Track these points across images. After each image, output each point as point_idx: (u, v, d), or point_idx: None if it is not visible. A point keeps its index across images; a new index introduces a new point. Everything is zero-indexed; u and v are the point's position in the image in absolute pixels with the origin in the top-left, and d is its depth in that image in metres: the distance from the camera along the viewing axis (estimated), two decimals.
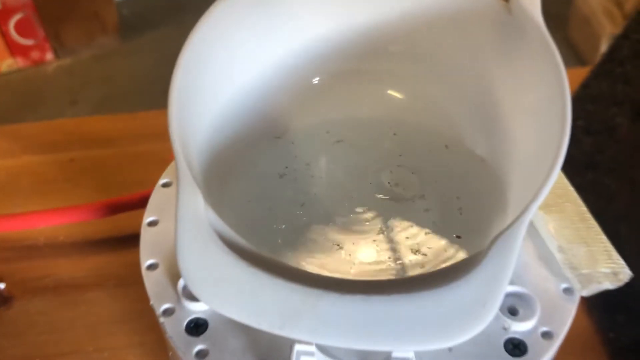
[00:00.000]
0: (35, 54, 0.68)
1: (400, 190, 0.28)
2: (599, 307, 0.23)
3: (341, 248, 0.26)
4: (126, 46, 0.64)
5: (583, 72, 0.41)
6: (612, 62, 0.24)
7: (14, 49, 0.69)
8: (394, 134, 0.30)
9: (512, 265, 0.19)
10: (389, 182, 0.28)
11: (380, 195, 0.28)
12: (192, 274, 0.19)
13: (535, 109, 0.24)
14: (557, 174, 0.20)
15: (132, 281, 0.33)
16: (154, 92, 0.56)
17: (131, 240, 0.36)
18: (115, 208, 0.36)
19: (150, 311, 0.24)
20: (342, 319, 0.18)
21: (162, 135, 0.42)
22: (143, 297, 0.25)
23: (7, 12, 0.67)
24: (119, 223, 0.37)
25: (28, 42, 0.68)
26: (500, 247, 0.19)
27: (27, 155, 0.43)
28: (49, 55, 0.68)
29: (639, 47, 0.37)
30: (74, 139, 0.44)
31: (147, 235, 0.27)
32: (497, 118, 0.26)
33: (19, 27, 0.67)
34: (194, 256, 0.19)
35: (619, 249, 0.25)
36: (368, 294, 0.19)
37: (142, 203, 0.34)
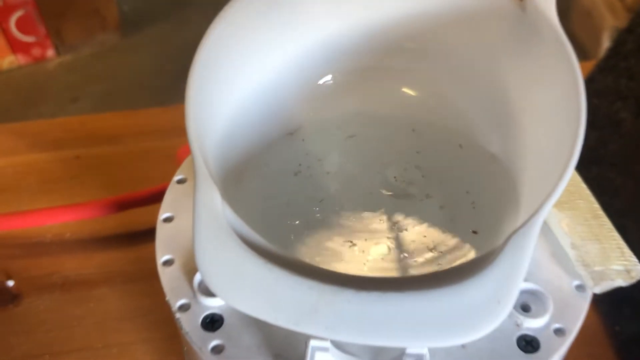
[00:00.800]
0: (36, 51, 0.68)
1: (414, 188, 0.28)
2: (606, 301, 0.23)
3: (354, 245, 0.26)
4: (127, 42, 0.64)
5: (586, 66, 0.41)
6: (617, 56, 0.24)
7: (15, 46, 0.68)
8: (412, 131, 0.30)
9: (527, 263, 0.19)
10: (402, 179, 0.29)
11: (394, 193, 0.28)
12: (209, 269, 0.19)
13: (549, 107, 0.24)
14: (571, 172, 0.20)
15: (140, 277, 0.33)
16: (155, 88, 0.56)
17: (139, 236, 0.36)
18: (123, 205, 0.36)
19: (158, 307, 0.24)
20: (358, 316, 0.18)
21: (166, 131, 0.42)
22: (151, 293, 0.25)
23: (8, 9, 0.66)
24: (126, 220, 0.37)
25: (29, 39, 0.68)
26: (515, 245, 0.19)
27: (32, 153, 0.43)
28: (50, 52, 0.67)
29: None
30: (79, 136, 0.44)
31: (162, 232, 0.27)
32: (511, 116, 0.26)
33: (20, 24, 0.67)
34: (211, 252, 0.19)
35: (625, 243, 0.25)
36: (383, 290, 0.19)
37: (149, 200, 0.35)
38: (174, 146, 0.35)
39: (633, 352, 0.30)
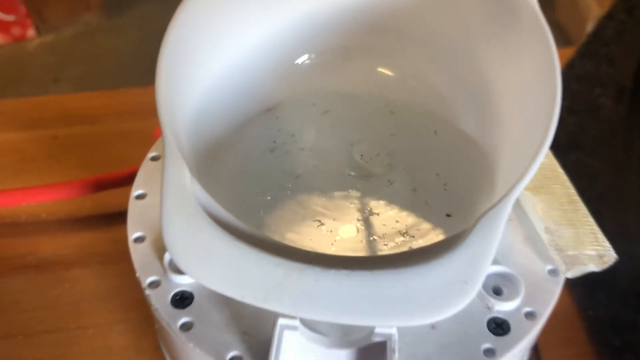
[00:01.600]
0: (16, 30, 0.66)
1: (386, 169, 0.28)
2: (579, 285, 0.23)
3: (323, 224, 0.26)
4: (110, 23, 0.63)
5: (569, 52, 0.41)
6: (597, 42, 0.25)
7: None
8: (388, 112, 0.30)
9: (496, 243, 0.19)
10: (376, 161, 0.28)
11: (367, 174, 0.28)
12: (177, 246, 0.19)
13: (525, 88, 0.24)
14: (544, 154, 0.20)
15: (117, 258, 0.33)
16: (138, 69, 0.55)
17: (115, 217, 0.36)
18: (100, 185, 0.35)
19: (134, 288, 0.24)
20: (325, 293, 0.18)
21: (146, 112, 0.41)
22: (127, 273, 0.25)
23: None
24: (103, 200, 0.36)
25: (9, 18, 0.66)
26: (485, 226, 0.19)
27: (9, 132, 0.42)
28: (31, 32, 0.66)
29: (623, 27, 0.37)
30: (57, 116, 0.44)
31: (134, 209, 0.26)
32: (488, 98, 0.26)
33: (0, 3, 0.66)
34: (178, 229, 0.19)
35: (600, 228, 0.25)
36: (351, 269, 0.19)
37: (126, 180, 0.34)
38: (152, 127, 0.34)
39: (606, 335, 0.30)
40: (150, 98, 0.22)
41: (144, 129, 0.36)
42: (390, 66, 0.31)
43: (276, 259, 0.19)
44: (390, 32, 0.29)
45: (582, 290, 0.28)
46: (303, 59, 0.30)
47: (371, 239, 0.25)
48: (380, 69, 0.31)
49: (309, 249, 0.22)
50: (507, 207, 0.20)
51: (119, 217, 0.26)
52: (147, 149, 0.29)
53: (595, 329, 0.25)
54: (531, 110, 0.23)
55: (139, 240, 0.25)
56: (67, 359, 0.31)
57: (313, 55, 0.30)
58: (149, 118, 0.39)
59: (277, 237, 0.25)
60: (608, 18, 0.37)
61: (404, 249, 0.25)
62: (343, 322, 0.18)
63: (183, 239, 0.19)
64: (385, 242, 0.25)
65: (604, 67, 0.23)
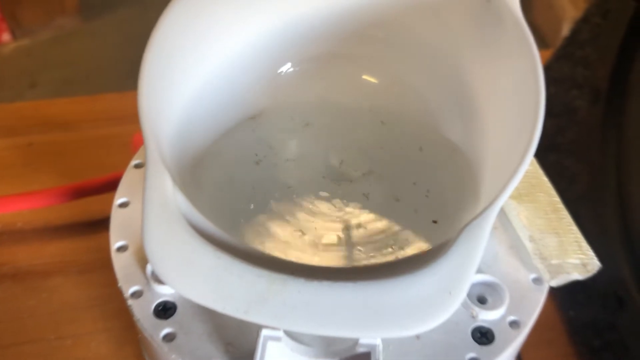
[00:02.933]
0: None
1: (371, 178, 0.28)
2: (560, 286, 0.24)
3: (305, 234, 0.26)
4: (87, 27, 0.62)
5: (545, 55, 0.42)
6: (573, 45, 0.25)
7: None
8: (373, 120, 0.30)
9: (480, 254, 0.19)
10: (361, 170, 0.28)
11: (350, 182, 0.28)
12: (158, 256, 0.19)
13: (508, 96, 0.24)
14: (528, 162, 0.20)
15: (97, 267, 0.32)
16: (116, 74, 0.54)
17: (94, 225, 0.35)
18: (77, 193, 0.35)
19: (115, 297, 0.24)
20: (308, 305, 0.18)
21: (124, 118, 0.41)
22: (108, 282, 0.25)
23: None
24: (81, 208, 0.36)
25: None
26: (468, 236, 0.19)
27: None
28: (6, 36, 0.64)
29: (598, 30, 0.37)
30: (33, 122, 0.43)
31: (117, 217, 0.26)
32: (473, 106, 0.26)
33: None
34: (160, 238, 0.19)
35: (580, 229, 0.25)
36: (334, 280, 0.18)
37: (105, 188, 0.34)
38: (130, 133, 0.34)
39: (586, 336, 0.30)
40: (128, 103, 0.22)
41: (122, 135, 0.36)
42: (375, 74, 0.30)
43: (258, 270, 0.18)
44: (374, 39, 0.29)
45: (563, 291, 0.28)
46: (287, 67, 0.30)
47: (356, 249, 0.25)
48: (365, 77, 0.30)
49: (293, 260, 0.21)
50: (491, 217, 0.19)
51: (98, 225, 0.26)
52: (126, 155, 0.29)
53: (576, 330, 0.25)
54: (515, 117, 0.23)
55: (121, 249, 0.25)
56: None
57: (297, 63, 0.30)
58: (128, 124, 0.38)
59: (260, 248, 0.25)
60: (583, 21, 0.38)
61: (390, 258, 0.25)
62: (326, 334, 0.18)
63: (164, 249, 0.19)
64: (371, 253, 0.25)
65: (580, 69, 0.23)
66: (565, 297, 0.31)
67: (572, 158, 0.20)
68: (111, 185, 0.27)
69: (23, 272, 0.34)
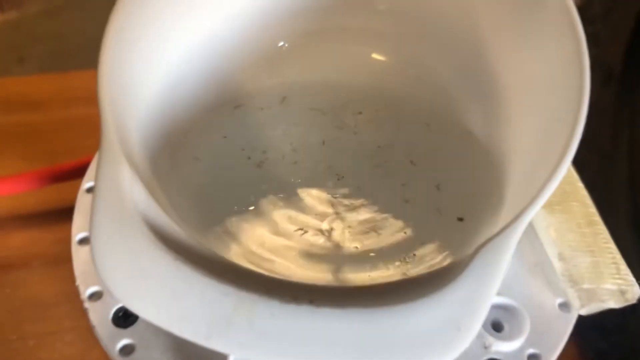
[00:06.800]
0: None
1: (378, 172, 0.25)
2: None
3: (298, 232, 0.23)
4: (76, 0, 0.59)
5: None
6: (582, 20, 0.22)
7: None
8: (382, 104, 0.27)
9: (498, 281, 0.16)
10: (363, 160, 0.25)
11: (351, 175, 0.25)
12: (105, 263, 0.16)
13: (544, 87, 0.21)
14: (565, 169, 0.17)
15: (64, 260, 0.30)
16: None
17: (62, 215, 0.32)
18: (46, 179, 0.32)
19: None
20: (281, 334, 0.15)
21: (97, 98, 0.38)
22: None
23: None
24: (48, 196, 0.33)
25: None
26: (486, 258, 0.16)
27: None
28: None
29: (611, 4, 0.35)
30: None
31: (83, 204, 0.24)
32: (495, 90, 0.23)
33: None
34: (109, 241, 0.16)
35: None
36: (317, 304, 0.15)
37: (75, 174, 0.31)
38: None
39: (592, 338, 0.28)
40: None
41: (95, 116, 0.33)
42: (383, 52, 0.27)
43: (224, 286, 0.15)
44: (384, 12, 0.26)
45: None
46: (281, 43, 0.27)
47: (352, 256, 0.22)
48: (373, 55, 0.27)
49: (275, 275, 0.18)
50: (516, 236, 0.16)
51: (66, 215, 0.23)
52: (98, 138, 0.26)
53: (580, 331, 0.23)
54: (550, 111, 0.20)
55: (84, 241, 0.22)
56: None
57: (296, 37, 0.27)
58: None
59: (240, 256, 0.22)
60: None
61: (397, 272, 0.22)
62: None
63: (113, 256, 0.16)
64: (375, 264, 0.22)
65: (590, 47, 0.20)
66: None
67: (581, 144, 0.18)
68: (82, 171, 0.25)
69: None
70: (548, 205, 0.23)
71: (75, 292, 0.29)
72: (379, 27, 0.27)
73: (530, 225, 0.23)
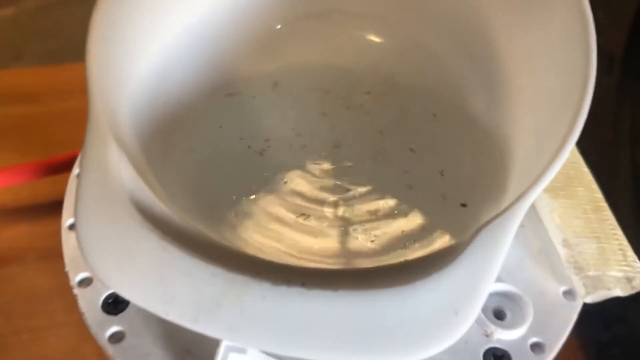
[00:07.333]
0: None
1: (378, 158, 0.24)
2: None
3: (300, 217, 0.22)
4: None
5: None
6: None
7: None
8: (378, 89, 0.26)
9: (498, 264, 0.15)
10: (363, 145, 0.25)
11: (351, 160, 0.24)
12: (90, 244, 0.15)
13: (548, 67, 0.20)
14: (569, 150, 0.17)
15: (56, 254, 0.29)
16: None
17: (56, 207, 0.32)
18: (38, 172, 0.32)
19: None
20: (272, 316, 0.14)
21: None
22: None
23: None
24: (42, 189, 0.33)
25: None
26: (485, 240, 0.15)
27: None
28: None
29: None
30: None
31: (73, 189, 0.23)
32: (499, 73, 0.22)
33: None
34: (95, 223, 0.16)
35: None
36: (309, 286, 0.15)
37: (69, 166, 0.30)
38: None
39: (594, 329, 0.28)
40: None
41: None
42: (380, 32, 0.26)
43: (213, 267, 0.15)
44: None
45: None
46: (278, 26, 0.26)
47: (348, 241, 0.21)
48: (370, 37, 0.26)
49: (278, 255, 0.18)
50: (517, 217, 0.16)
51: (60, 208, 0.23)
52: None
53: (582, 322, 0.23)
54: (555, 94, 0.19)
55: (73, 227, 0.21)
56: None
57: (291, 19, 0.26)
58: None
59: (236, 240, 0.21)
60: None
61: (397, 259, 0.21)
62: (291, 355, 0.14)
63: (99, 236, 0.15)
64: (377, 249, 0.21)
65: None
66: None
67: (581, 134, 0.17)
68: (75, 164, 0.24)
69: None
70: (552, 190, 0.22)
71: (67, 287, 0.29)
72: (379, 10, 0.26)
73: (534, 211, 0.22)
